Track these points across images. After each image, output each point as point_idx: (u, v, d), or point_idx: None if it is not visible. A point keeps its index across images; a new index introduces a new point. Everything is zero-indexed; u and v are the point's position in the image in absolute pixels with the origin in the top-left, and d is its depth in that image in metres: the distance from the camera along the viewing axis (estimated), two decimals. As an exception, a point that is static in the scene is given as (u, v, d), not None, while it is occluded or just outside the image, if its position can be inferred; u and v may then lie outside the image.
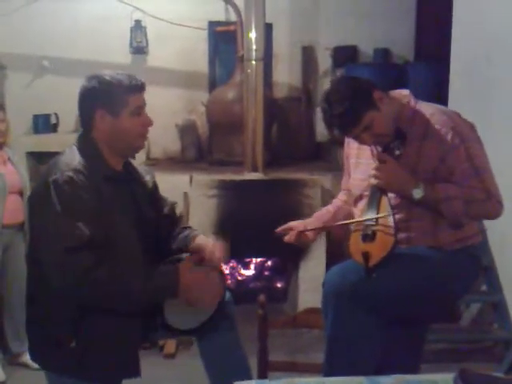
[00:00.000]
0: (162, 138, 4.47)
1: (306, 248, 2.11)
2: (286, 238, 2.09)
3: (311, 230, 2.10)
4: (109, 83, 1.76)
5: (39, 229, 1.73)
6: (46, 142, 4.03)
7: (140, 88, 1.80)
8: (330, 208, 2.22)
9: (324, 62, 4.71)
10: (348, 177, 2.18)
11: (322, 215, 2.19)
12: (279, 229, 2.12)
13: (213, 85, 4.65)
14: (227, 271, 4.08)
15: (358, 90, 1.86)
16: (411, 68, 4.33)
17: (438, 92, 3.70)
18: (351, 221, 2.01)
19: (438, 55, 4.03)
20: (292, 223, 2.13)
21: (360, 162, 2.06)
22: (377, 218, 1.85)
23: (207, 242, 1.95)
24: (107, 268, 1.66)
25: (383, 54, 4.63)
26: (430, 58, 4.44)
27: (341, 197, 2.24)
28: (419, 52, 4.73)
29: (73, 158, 1.76)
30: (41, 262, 1.70)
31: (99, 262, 1.65)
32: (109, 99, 1.76)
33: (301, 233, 2.07)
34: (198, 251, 1.92)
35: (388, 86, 2.07)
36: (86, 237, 1.65)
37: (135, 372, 1.79)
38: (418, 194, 1.82)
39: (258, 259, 4.12)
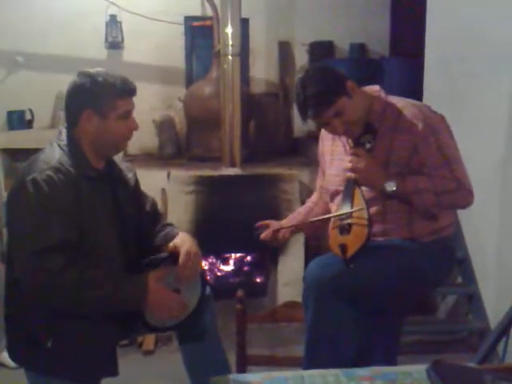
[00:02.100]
0: (140, 134, 4.33)
1: (278, 246, 2.16)
2: (262, 236, 2.15)
3: (286, 227, 2.15)
4: (101, 85, 1.75)
5: (13, 228, 1.71)
6: (20, 139, 3.98)
7: (131, 92, 1.80)
8: (301, 210, 2.29)
9: (301, 57, 4.73)
10: (323, 175, 2.21)
11: (293, 218, 2.25)
12: (259, 223, 2.16)
13: (190, 80, 4.63)
14: (206, 267, 4.09)
15: (332, 76, 1.90)
16: (387, 63, 4.37)
17: (413, 87, 3.75)
18: (326, 216, 2.04)
19: (414, 51, 4.07)
20: (270, 221, 2.18)
21: (334, 158, 2.10)
22: (351, 213, 1.88)
23: (184, 244, 1.92)
24: (78, 271, 1.64)
25: (359, 49, 4.67)
26: (406, 53, 4.49)
27: (313, 198, 2.29)
28: (395, 47, 4.78)
29: (53, 155, 1.74)
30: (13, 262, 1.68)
31: (70, 264, 1.64)
32: (98, 100, 1.75)
33: (276, 231, 2.12)
34: (174, 251, 1.91)
35: (363, 82, 2.09)
36: (59, 239, 1.63)
37: (113, 371, 1.79)
38: (390, 187, 1.86)
39: (237, 255, 4.13)
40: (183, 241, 1.93)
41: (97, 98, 1.75)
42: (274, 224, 2.17)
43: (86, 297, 1.66)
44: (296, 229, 2.21)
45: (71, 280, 1.63)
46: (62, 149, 1.77)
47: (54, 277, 1.61)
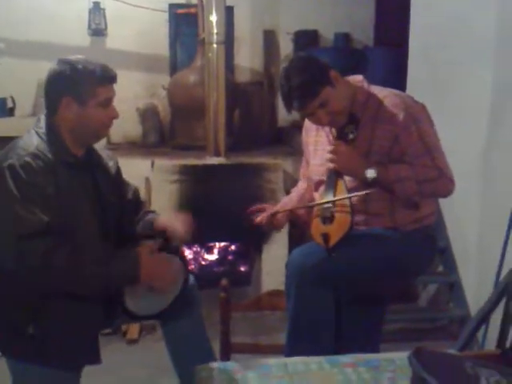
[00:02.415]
0: (123, 122, 4.38)
1: (274, 232, 2.14)
2: (258, 219, 2.10)
3: (283, 211, 2.12)
4: (81, 71, 1.73)
5: None
6: (2, 127, 3.93)
7: (111, 80, 1.78)
8: (294, 196, 2.26)
9: (286, 46, 4.73)
10: (307, 164, 2.21)
11: (286, 203, 2.23)
12: (253, 208, 2.13)
13: (174, 68, 4.61)
14: (190, 256, 4.09)
15: (316, 66, 1.90)
16: (371, 53, 4.39)
17: (397, 76, 3.76)
18: (314, 203, 2.04)
19: (398, 40, 4.08)
20: (264, 205, 2.15)
21: (317, 148, 2.10)
22: (334, 201, 1.89)
23: (168, 220, 1.95)
24: (65, 252, 1.64)
25: (343, 38, 4.68)
26: (390, 42, 4.50)
27: (301, 185, 2.28)
28: (379, 37, 4.79)
29: (31, 142, 1.73)
30: None
31: (56, 246, 1.63)
32: (78, 87, 1.73)
33: (273, 216, 2.10)
34: (162, 231, 1.92)
35: (348, 71, 2.10)
36: (44, 223, 1.62)
37: (95, 359, 1.79)
38: (371, 174, 1.87)
39: (222, 244, 4.13)
40: (167, 219, 1.95)
41: (76, 85, 1.73)
42: (269, 208, 2.13)
43: (80, 275, 1.66)
44: (291, 213, 2.19)
45: (60, 260, 1.63)
46: (39, 136, 1.75)
47: (43, 259, 1.60)
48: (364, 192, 1.86)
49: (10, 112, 4.27)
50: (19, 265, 1.62)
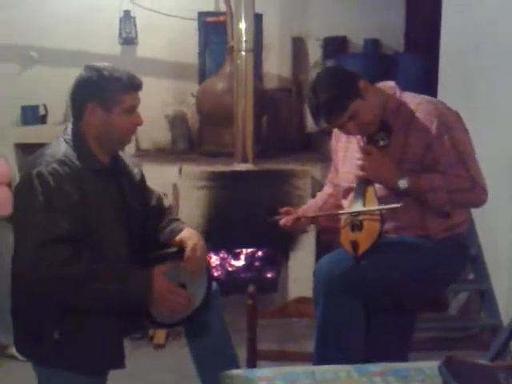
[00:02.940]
0: (152, 129, 4.45)
1: (298, 235, 2.14)
2: (283, 221, 2.10)
3: (306, 217, 2.11)
4: (107, 78, 1.76)
5: (18, 221, 1.72)
6: (34, 134, 4.00)
7: (137, 87, 1.81)
8: (318, 200, 2.26)
9: (314, 52, 4.71)
10: (335, 171, 2.20)
11: (309, 207, 2.22)
12: (283, 209, 2.11)
13: (203, 76, 4.63)
14: (217, 262, 4.10)
15: (344, 79, 1.88)
16: (401, 59, 4.35)
17: (428, 82, 3.72)
18: (338, 211, 2.03)
19: (428, 46, 4.04)
20: (289, 208, 2.14)
21: (347, 155, 2.09)
22: (359, 212, 1.88)
23: (190, 238, 1.91)
24: (83, 263, 1.64)
25: (373, 44, 4.64)
26: (420, 48, 4.45)
27: (326, 190, 2.27)
28: (409, 42, 4.74)
29: (58, 149, 1.75)
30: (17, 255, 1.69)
31: (75, 256, 1.64)
32: (103, 94, 1.76)
33: (298, 219, 2.09)
34: (180, 245, 1.91)
35: (378, 77, 2.08)
36: (64, 232, 1.63)
37: (120, 364, 1.79)
38: (403, 184, 1.85)
39: (248, 250, 4.13)
40: (189, 235, 1.93)
41: (102, 91, 1.76)
42: (293, 212, 2.13)
43: (89, 291, 1.66)
44: (314, 219, 2.17)
45: (76, 273, 1.63)
46: (67, 142, 1.78)
47: (58, 269, 1.61)
48: (393, 206, 1.83)
49: (43, 119, 4.34)
50: (32, 274, 1.62)
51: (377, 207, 1.86)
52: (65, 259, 1.62)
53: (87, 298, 1.67)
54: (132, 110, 1.80)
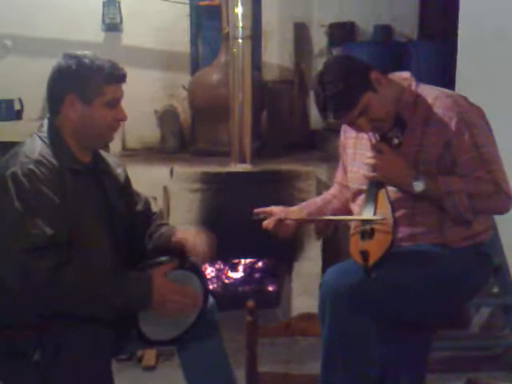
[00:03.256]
0: (139, 125, 4.46)
1: (283, 239, 2.13)
2: (265, 223, 2.10)
3: (292, 220, 2.10)
4: (87, 67, 1.76)
5: None
6: (9, 131, 4.01)
7: (120, 79, 1.82)
8: (318, 200, 2.25)
9: (319, 40, 4.71)
10: (343, 170, 2.20)
11: (307, 205, 2.22)
12: (258, 210, 2.12)
13: (195, 66, 4.64)
14: (212, 274, 4.09)
15: (354, 70, 1.88)
16: (415, 46, 4.35)
17: (445, 73, 3.72)
18: (340, 217, 2.04)
19: (445, 32, 4.04)
20: (273, 208, 2.14)
21: (357, 152, 2.08)
22: (374, 213, 1.87)
23: (188, 234, 1.95)
24: (73, 269, 1.65)
25: (384, 31, 4.65)
26: (436, 35, 4.46)
27: (332, 191, 2.27)
28: (423, 29, 4.75)
29: (34, 148, 1.76)
30: None
31: (64, 262, 1.65)
32: (83, 84, 1.76)
33: (281, 221, 2.08)
34: (179, 248, 1.92)
35: (389, 67, 2.08)
36: (48, 236, 1.64)
37: None
38: (418, 187, 1.85)
39: (247, 260, 4.12)
40: (187, 233, 1.94)
41: (82, 82, 1.77)
42: (278, 212, 2.12)
43: (86, 296, 1.67)
44: (303, 222, 2.17)
45: (69, 277, 1.64)
46: (42, 140, 1.79)
47: (49, 275, 1.62)
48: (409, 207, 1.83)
49: (18, 115, 4.34)
50: (25, 282, 1.63)
51: (379, 217, 1.86)
52: (55, 265, 1.62)
53: (84, 304, 1.68)
54: (114, 103, 1.81)
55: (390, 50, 4.35)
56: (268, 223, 2.10)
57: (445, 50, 3.98)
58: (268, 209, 2.13)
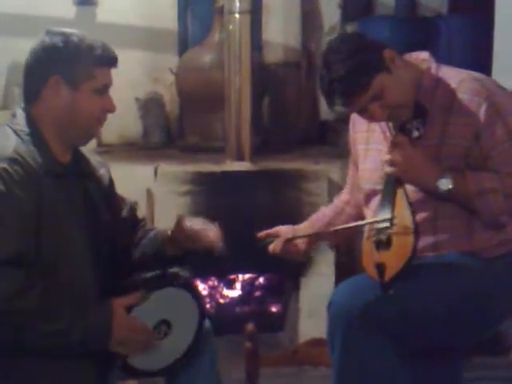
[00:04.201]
0: (118, 117, 4.40)
1: (296, 260, 2.17)
2: (271, 248, 2.14)
3: (301, 237, 2.14)
4: (76, 45, 1.80)
5: None
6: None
7: (112, 62, 1.86)
8: (328, 211, 2.28)
9: (330, 15, 4.73)
10: (355, 168, 2.22)
11: (317, 219, 2.25)
12: (262, 233, 2.16)
13: (184, 46, 4.65)
14: (205, 292, 4.10)
15: (364, 48, 1.92)
16: (444, 23, 4.36)
17: (480, 53, 3.74)
18: (353, 224, 2.05)
19: (479, 6, 4.06)
20: (280, 228, 2.18)
21: (369, 148, 2.11)
22: (391, 220, 1.89)
23: (194, 222, 2.01)
24: (35, 295, 1.67)
25: (408, 4, 4.66)
26: (469, 8, 4.47)
27: (343, 197, 2.29)
28: (455, 1, 4.76)
29: (7, 143, 1.77)
30: None
31: (27, 285, 1.66)
32: (72, 64, 1.80)
33: (288, 241, 2.11)
34: (184, 241, 1.96)
35: (414, 47, 2.10)
36: (14, 252, 1.66)
37: None
38: (444, 185, 1.87)
39: (246, 276, 4.14)
40: (191, 221, 2.00)
41: (69, 62, 1.80)
42: (283, 232, 2.16)
43: (39, 330, 1.68)
44: (316, 238, 2.20)
45: (25, 307, 1.65)
46: (18, 135, 1.80)
47: (6, 302, 1.63)
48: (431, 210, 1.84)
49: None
50: None
51: (371, 220, 1.88)
52: (15, 289, 1.64)
53: (35, 338, 1.70)
54: (103, 90, 1.84)
55: (415, 26, 4.37)
56: (275, 247, 2.13)
57: (480, 25, 3.99)
58: (273, 230, 2.18)
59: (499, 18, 3.54)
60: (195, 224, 2.02)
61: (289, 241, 2.13)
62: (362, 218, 2.17)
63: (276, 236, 2.16)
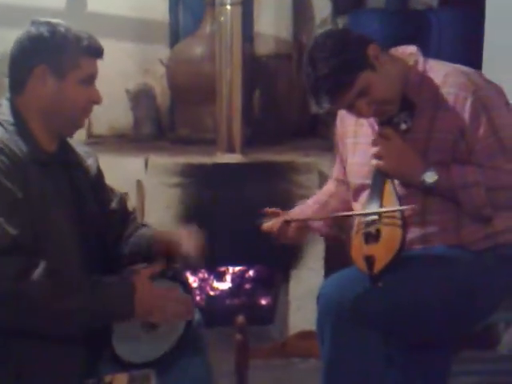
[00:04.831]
0: (109, 108, 4.41)
1: (287, 245, 2.16)
2: (268, 225, 2.13)
3: (299, 220, 2.14)
4: (62, 35, 1.81)
5: None
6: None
7: (98, 53, 1.87)
8: (312, 203, 2.28)
9: (322, 7, 4.73)
10: (341, 163, 2.22)
11: (300, 211, 2.25)
12: (269, 209, 2.16)
13: (175, 37, 4.64)
14: (195, 284, 4.11)
15: (348, 45, 1.92)
16: (434, 16, 4.37)
17: (470, 47, 3.74)
18: (349, 213, 2.06)
19: (471, -2, 4.06)
20: (279, 211, 2.18)
21: (358, 142, 2.12)
22: (380, 213, 1.89)
23: (177, 233, 2.01)
24: (41, 277, 1.67)
25: (399, -4, 4.67)
26: (459, 2, 4.48)
27: (327, 189, 2.30)
28: (446, -6, 4.77)
29: None
30: None
31: (30, 269, 1.66)
32: (58, 54, 1.81)
33: (287, 223, 2.11)
34: (164, 249, 1.95)
35: (404, 40, 2.11)
36: (12, 237, 1.66)
37: None
38: (430, 178, 1.88)
39: (236, 268, 4.14)
40: (174, 231, 2.01)
41: (56, 51, 1.81)
42: (282, 213, 2.17)
43: (60, 306, 1.69)
44: (306, 225, 2.19)
45: (36, 288, 1.66)
46: (1, 125, 1.81)
47: (13, 285, 1.63)
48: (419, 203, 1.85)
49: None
50: None
51: (391, 208, 1.88)
52: (19, 272, 1.64)
53: (57, 316, 1.70)
54: (89, 80, 1.85)
55: (405, 19, 4.36)
56: (273, 225, 2.12)
57: (471, 18, 4.00)
58: (271, 210, 2.17)
59: (490, 11, 3.55)
60: (174, 235, 2.02)
61: (286, 223, 2.12)
62: (347, 211, 2.18)
63: (275, 215, 2.14)
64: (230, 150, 3.83)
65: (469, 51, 3.66)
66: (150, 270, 1.86)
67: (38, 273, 1.66)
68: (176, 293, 1.88)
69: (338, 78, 1.88)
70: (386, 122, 1.97)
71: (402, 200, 1.91)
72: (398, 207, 1.89)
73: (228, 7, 3.76)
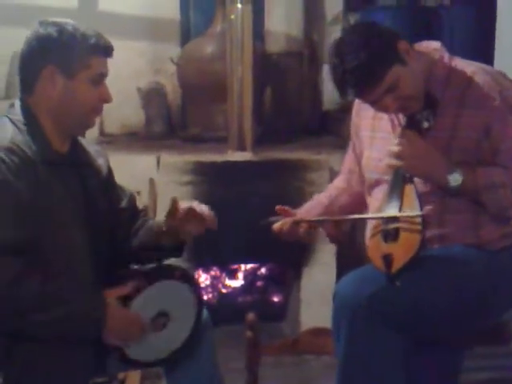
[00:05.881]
0: (120, 107, 4.45)
1: (297, 243, 2.15)
2: (277, 225, 2.11)
3: (311, 221, 2.12)
4: (71, 34, 1.80)
5: None
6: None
7: (108, 52, 1.86)
8: (323, 199, 2.25)
9: (333, 5, 4.71)
10: (354, 156, 2.20)
11: (311, 208, 2.22)
12: (280, 207, 2.13)
13: (186, 36, 4.64)
14: (207, 282, 4.11)
15: (379, 38, 1.89)
16: (446, 12, 4.35)
17: (482, 44, 3.72)
18: (362, 216, 2.04)
19: (482, -4, 4.05)
20: (289, 209, 2.15)
21: (376, 136, 2.09)
22: (398, 218, 1.88)
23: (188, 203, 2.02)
24: (38, 281, 1.67)
25: (410, -6, 4.65)
26: (472, -1, 4.46)
27: (338, 184, 2.28)
28: (457, -8, 4.75)
29: (4, 133, 1.78)
30: None
31: (28, 271, 1.67)
32: (67, 54, 1.80)
33: (296, 224, 2.09)
34: (179, 218, 1.96)
35: (416, 37, 2.09)
36: (12, 239, 1.66)
37: None
38: (455, 180, 1.86)
39: (248, 266, 4.14)
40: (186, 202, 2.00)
41: (64, 51, 1.80)
42: (292, 214, 2.14)
43: (38, 318, 1.69)
44: (317, 225, 2.18)
45: (29, 293, 1.66)
46: (15, 125, 1.81)
47: (5, 289, 1.63)
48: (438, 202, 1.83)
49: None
50: None
51: (410, 213, 1.86)
52: (14, 276, 1.64)
53: (37, 325, 1.70)
54: (99, 79, 1.84)
55: (417, 16, 4.36)
56: (283, 225, 2.09)
57: (483, 15, 3.98)
58: (282, 208, 2.14)
59: (501, 7, 3.53)
60: (187, 203, 2.02)
61: (297, 223, 2.10)
62: (358, 206, 2.16)
63: (286, 215, 2.13)
64: (241, 148, 3.82)
65: (480, 47, 3.64)
66: (119, 291, 1.84)
67: (32, 280, 1.66)
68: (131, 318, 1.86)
69: (367, 72, 1.85)
70: (408, 119, 1.95)
71: (421, 198, 1.89)
72: (417, 212, 1.87)
73: (239, 5, 3.75)
